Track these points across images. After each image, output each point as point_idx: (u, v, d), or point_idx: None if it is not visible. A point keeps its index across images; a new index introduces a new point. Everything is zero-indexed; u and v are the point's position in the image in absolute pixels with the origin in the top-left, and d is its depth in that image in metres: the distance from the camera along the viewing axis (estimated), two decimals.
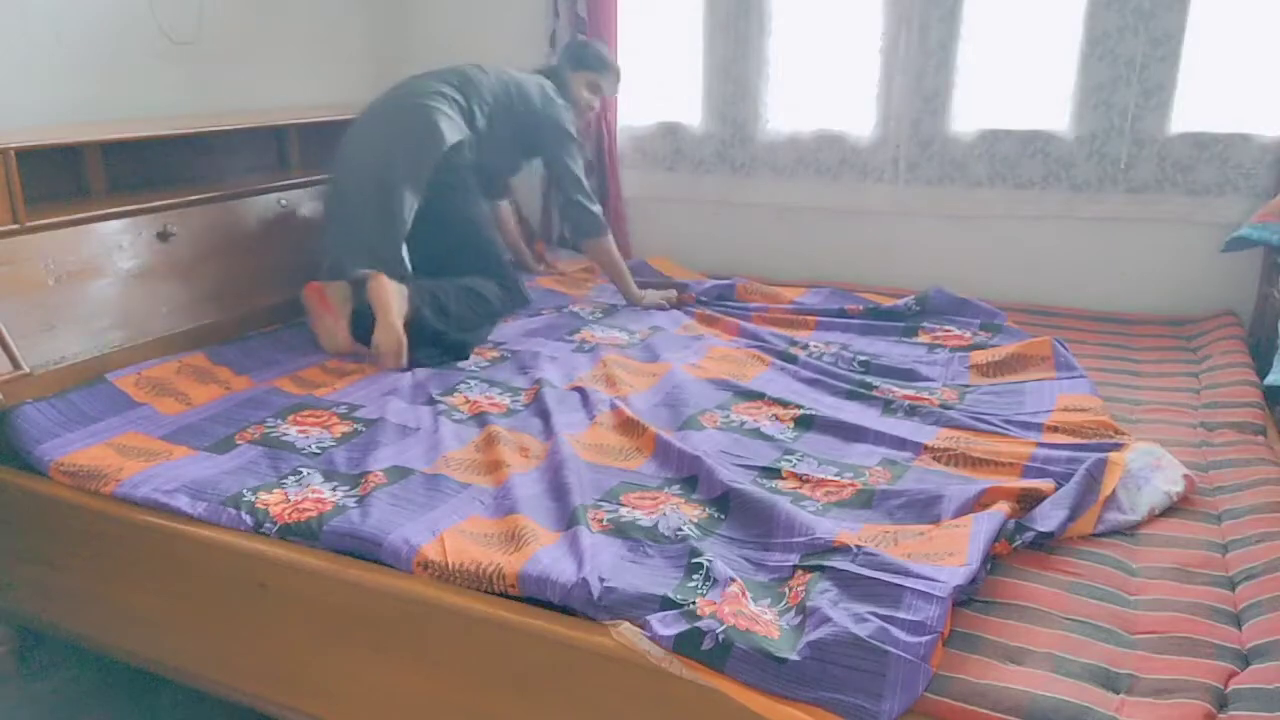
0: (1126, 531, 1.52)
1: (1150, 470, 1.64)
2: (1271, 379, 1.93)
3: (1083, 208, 2.75)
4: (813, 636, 1.17)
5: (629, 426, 1.86)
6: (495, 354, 2.35)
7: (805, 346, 2.40)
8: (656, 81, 3.20)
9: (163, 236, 2.26)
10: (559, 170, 2.67)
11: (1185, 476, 1.63)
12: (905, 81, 2.85)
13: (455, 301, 2.40)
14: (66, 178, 2.32)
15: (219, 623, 1.59)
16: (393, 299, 2.24)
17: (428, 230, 2.39)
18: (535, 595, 1.32)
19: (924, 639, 1.16)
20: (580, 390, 2.06)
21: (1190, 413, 1.99)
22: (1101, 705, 1.11)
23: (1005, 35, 2.73)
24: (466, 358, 2.31)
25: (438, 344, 2.32)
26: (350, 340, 2.31)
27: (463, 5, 3.41)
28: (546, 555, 1.38)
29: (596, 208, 2.70)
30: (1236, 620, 1.28)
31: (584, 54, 2.82)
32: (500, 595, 1.34)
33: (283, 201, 2.62)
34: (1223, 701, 1.12)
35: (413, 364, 2.24)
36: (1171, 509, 1.58)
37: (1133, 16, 2.57)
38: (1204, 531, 1.52)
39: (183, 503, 1.59)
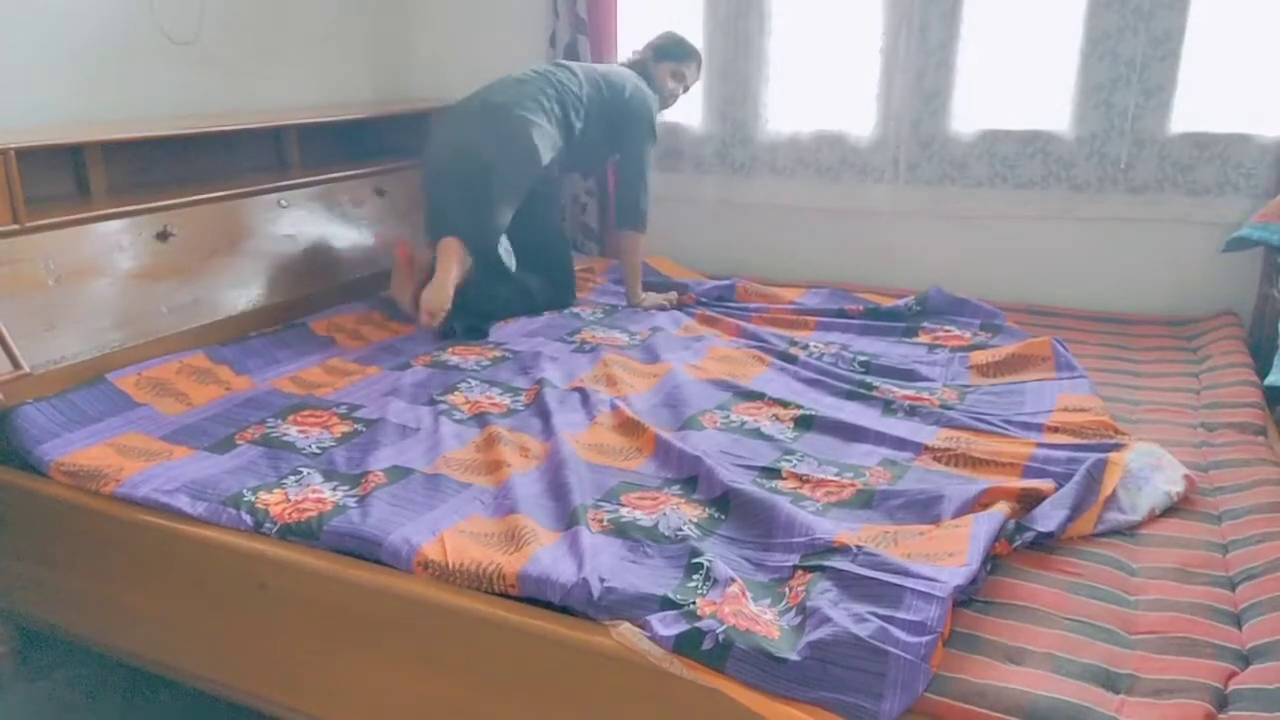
0: (1126, 532, 1.52)
1: (1150, 470, 1.64)
2: (1272, 379, 1.93)
3: (1083, 208, 2.75)
4: (813, 636, 1.17)
5: (629, 427, 1.86)
6: (496, 354, 2.35)
7: (805, 347, 2.40)
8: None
9: (163, 237, 2.26)
10: (632, 159, 2.76)
11: (1185, 476, 1.63)
12: (905, 81, 2.85)
13: (504, 289, 2.62)
14: (67, 178, 2.32)
15: (219, 623, 1.59)
16: (455, 264, 2.42)
17: (511, 230, 2.56)
18: (535, 595, 1.32)
19: (924, 639, 1.16)
20: (581, 390, 2.06)
21: (1190, 413, 1.99)
22: (1101, 705, 1.11)
23: (1006, 35, 2.73)
24: (486, 336, 2.51)
25: (473, 317, 2.53)
26: (413, 301, 2.49)
27: (462, 5, 3.41)
28: (546, 555, 1.38)
29: (648, 205, 2.80)
30: (1237, 620, 1.28)
31: (667, 44, 2.88)
32: (500, 595, 1.34)
33: (282, 202, 2.62)
34: (1223, 702, 1.12)
35: (446, 332, 2.47)
36: (1172, 509, 1.58)
37: (1133, 16, 2.57)
38: (1204, 532, 1.52)
39: (183, 503, 1.59)
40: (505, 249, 2.55)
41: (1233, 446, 1.80)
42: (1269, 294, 2.46)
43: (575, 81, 2.65)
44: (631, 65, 2.86)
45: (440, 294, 2.37)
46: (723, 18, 3.04)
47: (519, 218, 2.54)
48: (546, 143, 2.51)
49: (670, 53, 2.87)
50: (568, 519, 1.50)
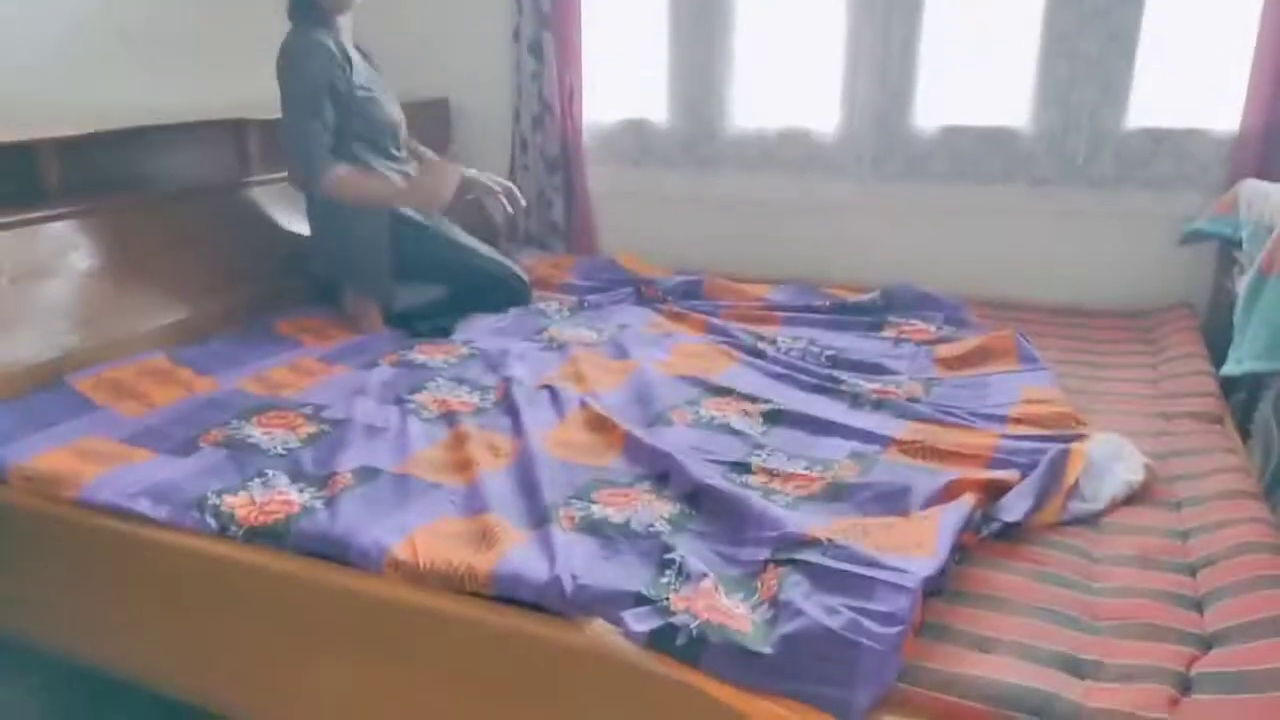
0: (1089, 520, 1.55)
1: (1111, 460, 1.67)
2: (1227, 369, 1.97)
3: (1043, 202, 2.80)
4: (785, 629, 1.18)
5: (599, 424, 1.86)
6: (463, 352, 2.34)
7: (773, 342, 2.41)
8: (621, 78, 3.20)
9: (120, 235, 2.22)
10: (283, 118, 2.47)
11: (1146, 465, 1.66)
12: (869, 78, 2.87)
13: (433, 303, 2.60)
14: (19, 177, 2.26)
15: (185, 628, 1.56)
16: (361, 314, 2.52)
17: (413, 271, 2.55)
18: (508, 594, 1.31)
19: (895, 630, 1.18)
20: (550, 388, 2.05)
21: (1149, 403, 2.03)
22: (1068, 691, 1.13)
23: (967, 33, 2.76)
24: (451, 334, 2.48)
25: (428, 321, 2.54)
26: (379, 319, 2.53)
27: (428, 2, 3.38)
28: (518, 554, 1.37)
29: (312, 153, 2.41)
30: (1197, 605, 1.31)
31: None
32: (472, 595, 1.33)
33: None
34: (1186, 685, 1.14)
35: (411, 332, 2.48)
36: (1133, 497, 1.61)
37: (1090, 14, 2.61)
38: (1164, 519, 1.55)
39: (145, 507, 1.56)
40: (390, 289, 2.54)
41: (1190, 435, 1.83)
42: (1223, 286, 2.51)
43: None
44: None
45: (371, 322, 2.52)
46: (687, 14, 3.04)
47: (410, 263, 2.53)
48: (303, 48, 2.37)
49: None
50: (539, 517, 1.50)
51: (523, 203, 2.72)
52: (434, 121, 3.38)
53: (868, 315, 2.61)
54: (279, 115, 2.45)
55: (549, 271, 3.07)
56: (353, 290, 2.57)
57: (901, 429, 1.85)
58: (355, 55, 2.53)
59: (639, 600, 1.26)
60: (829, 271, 3.05)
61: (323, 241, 2.54)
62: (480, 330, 2.52)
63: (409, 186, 2.51)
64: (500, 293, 2.70)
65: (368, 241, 2.48)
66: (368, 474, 1.65)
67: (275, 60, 2.44)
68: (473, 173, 2.67)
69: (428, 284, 2.62)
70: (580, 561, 1.36)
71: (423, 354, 2.31)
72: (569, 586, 1.28)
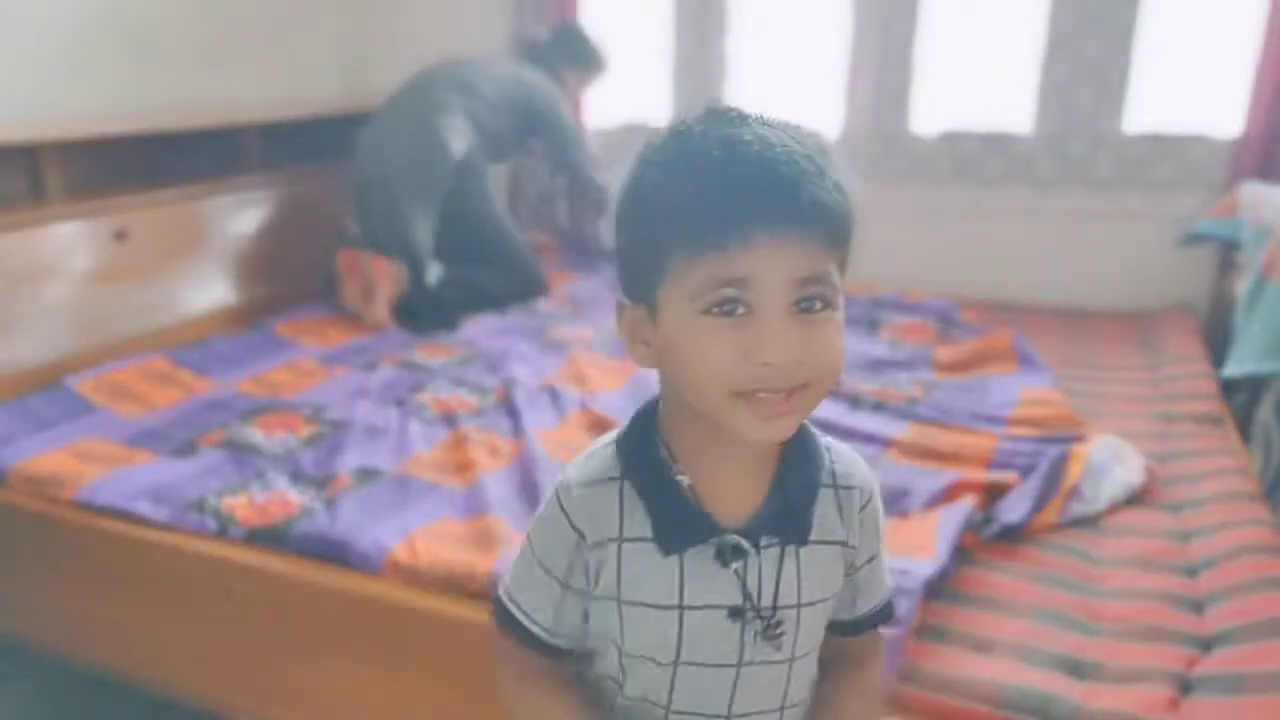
0: (1089, 522, 1.55)
1: (1111, 462, 1.66)
2: (1227, 371, 1.97)
3: (1043, 204, 2.80)
4: None
5: (600, 425, 1.86)
6: (465, 353, 2.34)
7: None
8: (623, 80, 3.20)
9: (120, 237, 2.22)
10: (559, 147, 2.82)
11: (1146, 467, 1.66)
12: (869, 81, 2.87)
13: (450, 290, 2.61)
14: (21, 178, 2.26)
15: (185, 630, 1.56)
16: (384, 281, 2.49)
17: (445, 229, 2.58)
18: None
19: (894, 631, 1.17)
20: (550, 389, 2.05)
21: (1149, 405, 2.03)
22: (1068, 693, 1.13)
23: (967, 36, 2.77)
24: (455, 329, 2.50)
25: (431, 317, 2.55)
26: (387, 316, 2.52)
27: (428, 1, 3.39)
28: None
29: (600, 175, 2.86)
30: (1197, 607, 1.31)
31: (580, 51, 2.87)
32: (472, 595, 1.33)
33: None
34: (1186, 687, 1.14)
35: (413, 330, 2.47)
36: (1133, 499, 1.61)
37: (1090, 16, 2.61)
38: (1164, 521, 1.55)
39: (145, 508, 1.56)
40: (429, 258, 2.57)
41: (1190, 437, 1.83)
42: (1223, 287, 2.51)
43: (484, 81, 2.67)
44: (541, 57, 2.86)
45: (376, 314, 2.50)
46: (689, 15, 3.04)
47: (449, 218, 2.56)
48: (456, 138, 2.54)
49: (583, 59, 2.87)
50: None
51: None
52: None
53: (864, 318, 2.60)
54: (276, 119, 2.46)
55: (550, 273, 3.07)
56: (386, 258, 2.56)
57: (901, 430, 1.85)
58: None
59: None
60: None
61: (380, 202, 2.56)
62: (481, 331, 2.52)
63: None
64: (518, 282, 2.74)
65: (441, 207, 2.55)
66: (368, 475, 1.65)
67: (535, 97, 2.74)
68: None
69: (460, 250, 2.64)
70: None
71: (423, 355, 2.31)
72: None
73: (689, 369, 0.62)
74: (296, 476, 1.66)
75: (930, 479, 1.61)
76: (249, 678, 1.53)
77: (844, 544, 0.69)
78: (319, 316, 2.57)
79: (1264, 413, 1.99)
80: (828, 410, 1.97)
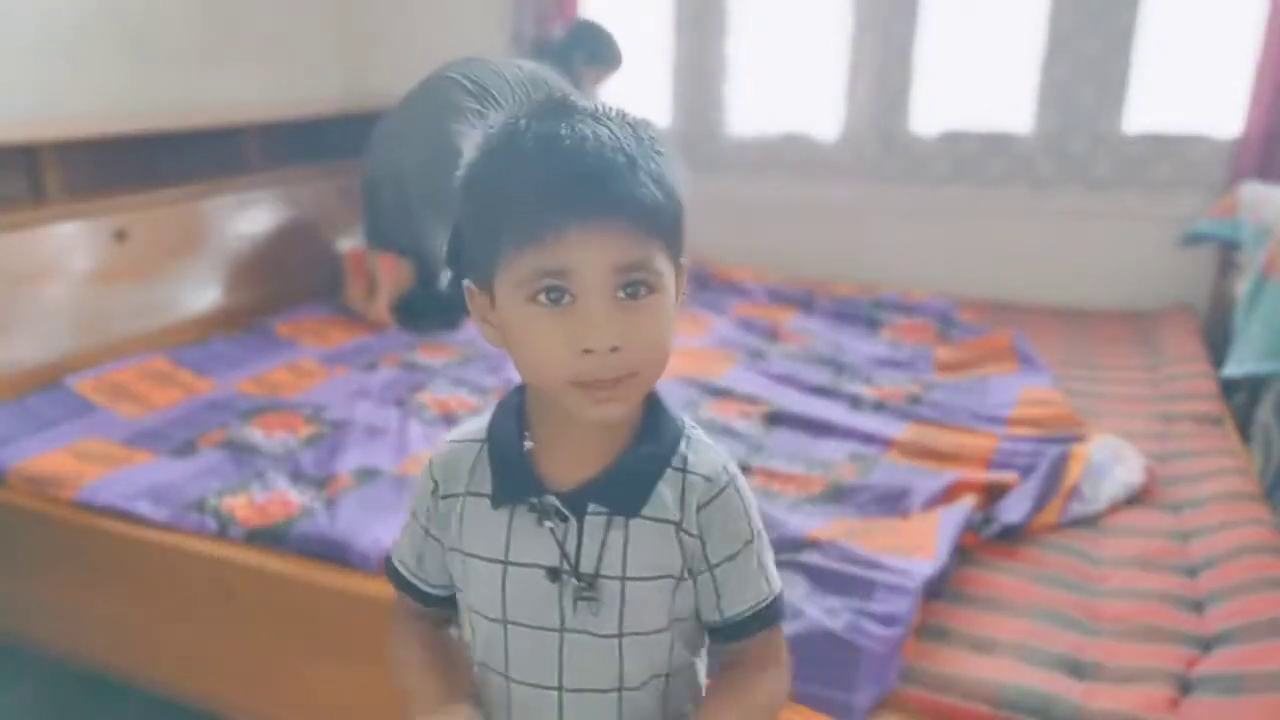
0: (1089, 522, 1.55)
1: (1111, 462, 1.67)
2: (1227, 371, 1.97)
3: (1043, 204, 2.80)
4: (786, 630, 1.17)
5: None
6: (465, 353, 2.34)
7: (774, 342, 2.41)
8: (623, 81, 3.19)
9: (120, 237, 2.22)
10: None
11: (1146, 467, 1.66)
12: (869, 82, 2.87)
13: (455, 290, 2.50)
14: (20, 178, 2.26)
15: (185, 629, 1.56)
16: (388, 279, 2.44)
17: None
18: None
19: (895, 631, 1.18)
20: None
21: (1149, 405, 2.03)
22: (1068, 693, 1.13)
23: (967, 36, 2.77)
24: (457, 327, 2.48)
25: (432, 316, 2.50)
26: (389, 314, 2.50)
27: (429, 1, 3.39)
28: None
29: None
30: (1197, 607, 1.31)
31: (597, 49, 2.80)
32: None
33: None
34: (1186, 687, 1.14)
35: (414, 329, 2.46)
36: (1133, 499, 1.61)
37: (1091, 16, 2.61)
38: (1164, 521, 1.55)
39: (145, 508, 1.56)
40: (439, 261, 2.56)
41: (1190, 437, 1.83)
42: (1223, 287, 2.51)
43: (501, 82, 2.63)
44: (556, 54, 2.78)
45: (379, 312, 2.48)
46: (689, 16, 3.04)
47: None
48: (472, 145, 2.52)
49: (602, 58, 2.81)
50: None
51: None
52: None
53: (866, 318, 2.61)
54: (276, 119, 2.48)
55: None
56: (401, 255, 2.51)
57: (901, 430, 1.85)
58: None
59: None
60: (829, 274, 3.05)
61: (391, 202, 2.50)
62: (478, 332, 2.52)
63: None
64: None
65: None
66: (367, 475, 1.65)
67: (554, 91, 2.64)
68: None
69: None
70: None
71: (423, 355, 2.31)
72: None
73: (523, 354, 0.67)
74: (296, 476, 1.66)
75: (930, 479, 1.61)
76: (249, 678, 1.53)
77: (677, 524, 0.69)
78: (319, 316, 2.57)
79: (1264, 413, 1.99)
80: (827, 410, 1.97)
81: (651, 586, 0.69)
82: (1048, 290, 2.83)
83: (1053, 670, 1.17)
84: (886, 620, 1.19)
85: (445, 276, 2.36)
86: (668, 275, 0.66)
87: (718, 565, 0.71)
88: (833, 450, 1.79)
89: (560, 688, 0.71)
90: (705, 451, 0.72)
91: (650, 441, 0.70)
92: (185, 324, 2.32)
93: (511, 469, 0.70)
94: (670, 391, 2.05)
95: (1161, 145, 2.66)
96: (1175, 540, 1.48)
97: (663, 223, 0.65)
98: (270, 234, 2.65)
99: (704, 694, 0.77)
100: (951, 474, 1.63)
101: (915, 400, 2.03)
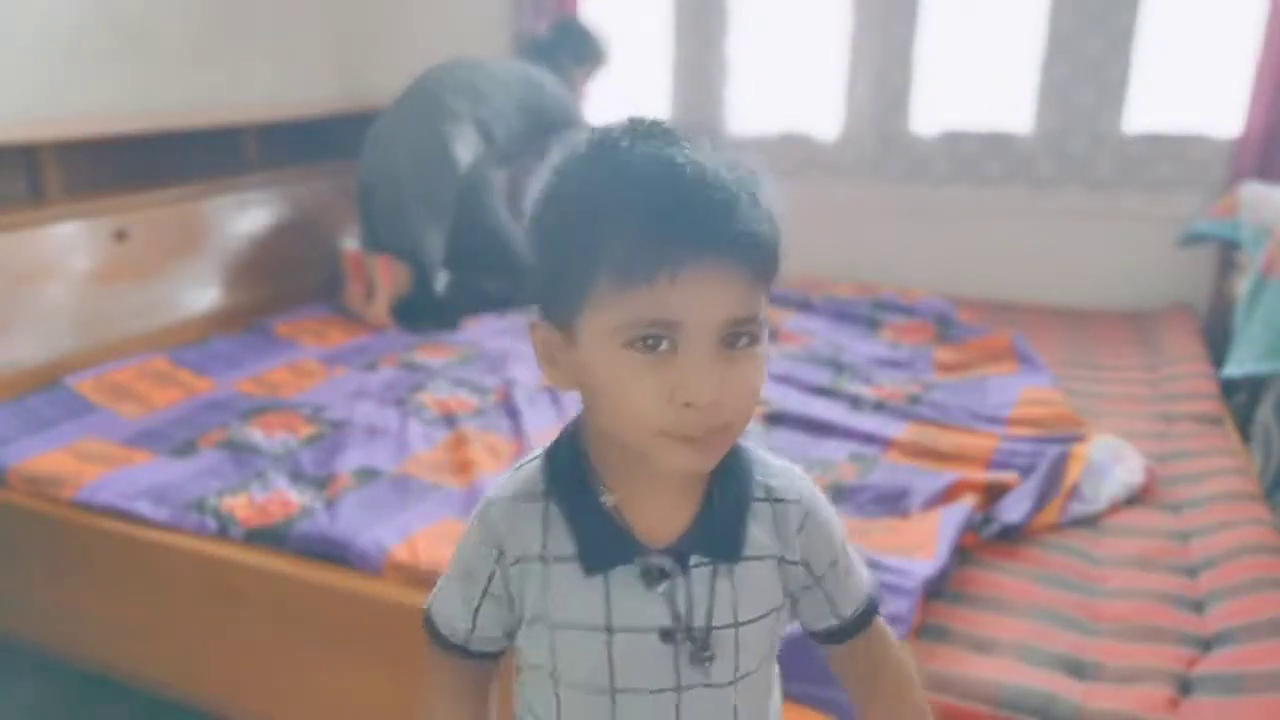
0: (1089, 522, 1.55)
1: (1111, 462, 1.67)
2: (1227, 371, 1.98)
3: (1043, 204, 2.80)
4: (787, 630, 1.17)
5: None
6: (465, 353, 2.34)
7: (773, 342, 2.41)
8: (623, 81, 3.19)
9: (120, 237, 2.22)
10: None
11: (1146, 467, 1.66)
12: (869, 82, 2.87)
13: (453, 292, 2.63)
14: (20, 178, 2.26)
15: (185, 630, 1.56)
16: (385, 281, 2.53)
17: (450, 237, 2.58)
18: None
19: (895, 631, 1.17)
20: (551, 389, 2.05)
21: (1149, 405, 2.03)
22: (1068, 693, 1.13)
23: (967, 36, 2.77)
24: (455, 328, 2.51)
25: (430, 317, 2.56)
26: (387, 315, 2.56)
27: (428, 1, 3.39)
28: None
29: None
30: (1197, 607, 1.31)
31: (585, 47, 2.80)
32: None
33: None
34: (1186, 687, 1.14)
35: (413, 330, 2.49)
36: (1133, 499, 1.61)
37: (1091, 16, 2.61)
38: (1164, 521, 1.55)
39: (144, 508, 1.56)
40: (439, 269, 2.57)
41: (1190, 437, 1.83)
42: (1223, 287, 2.51)
43: (492, 85, 2.63)
44: (538, 54, 2.78)
45: (378, 314, 2.53)
46: (689, 16, 3.04)
47: (454, 226, 2.55)
48: (465, 147, 2.52)
49: (588, 57, 2.80)
50: None
51: None
52: None
53: (865, 318, 2.61)
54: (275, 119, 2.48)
55: None
56: (396, 259, 2.55)
57: (901, 430, 1.85)
58: None
59: None
60: (829, 274, 3.04)
61: (385, 204, 2.54)
62: (482, 331, 2.52)
63: None
64: (519, 289, 2.69)
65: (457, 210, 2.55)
66: (368, 475, 1.65)
67: (547, 97, 2.66)
68: None
69: (464, 256, 2.62)
70: None
71: (423, 355, 2.31)
72: None
73: (610, 402, 0.60)
74: (296, 476, 1.66)
75: (930, 479, 1.61)
76: (249, 678, 1.53)
77: (780, 559, 0.67)
78: (319, 316, 2.58)
79: (1264, 413, 1.99)
80: (827, 410, 1.97)
81: (762, 625, 0.67)
82: (1048, 290, 2.83)
83: (1053, 670, 1.17)
84: (886, 620, 1.19)
85: (441, 278, 2.37)
86: (765, 324, 0.61)
87: (823, 576, 0.69)
88: (833, 450, 1.79)
89: None
90: (779, 472, 0.69)
91: (731, 478, 0.66)
92: (185, 324, 2.32)
93: (601, 529, 0.64)
94: None
95: (1161, 145, 2.65)
96: (1175, 540, 1.48)
97: (772, 266, 0.60)
98: (270, 234, 2.65)
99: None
100: (951, 474, 1.63)
101: (915, 400, 2.03)
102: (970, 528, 1.46)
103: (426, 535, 1.45)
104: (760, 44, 3.01)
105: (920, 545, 1.37)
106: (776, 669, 0.74)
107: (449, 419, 1.91)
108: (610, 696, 0.65)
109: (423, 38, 3.40)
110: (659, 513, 0.65)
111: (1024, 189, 2.81)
